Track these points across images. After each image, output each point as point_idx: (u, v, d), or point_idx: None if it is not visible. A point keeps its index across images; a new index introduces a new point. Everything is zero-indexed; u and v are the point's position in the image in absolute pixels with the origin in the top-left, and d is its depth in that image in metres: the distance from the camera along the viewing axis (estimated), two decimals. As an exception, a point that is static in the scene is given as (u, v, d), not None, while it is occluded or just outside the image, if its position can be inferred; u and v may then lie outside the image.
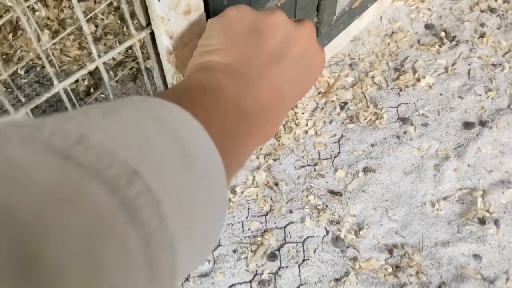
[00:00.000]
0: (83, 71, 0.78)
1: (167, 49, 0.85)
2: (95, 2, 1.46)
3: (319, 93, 1.32)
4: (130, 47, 1.33)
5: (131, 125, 0.22)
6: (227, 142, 0.30)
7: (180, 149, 0.23)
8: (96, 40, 1.37)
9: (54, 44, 1.34)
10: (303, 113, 1.27)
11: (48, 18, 1.42)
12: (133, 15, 0.90)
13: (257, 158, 1.20)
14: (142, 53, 1.10)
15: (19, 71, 1.30)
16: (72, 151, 0.18)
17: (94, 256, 0.16)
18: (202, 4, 0.84)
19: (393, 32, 1.47)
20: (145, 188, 0.19)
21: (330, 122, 1.26)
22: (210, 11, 0.86)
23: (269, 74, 0.38)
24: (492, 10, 1.52)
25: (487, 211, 1.11)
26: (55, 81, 0.74)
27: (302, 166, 1.19)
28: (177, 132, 0.24)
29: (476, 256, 1.05)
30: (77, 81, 1.27)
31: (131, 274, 0.17)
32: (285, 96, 0.38)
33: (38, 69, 1.31)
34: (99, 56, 0.77)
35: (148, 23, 0.82)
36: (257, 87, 0.36)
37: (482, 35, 1.46)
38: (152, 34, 0.84)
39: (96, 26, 1.40)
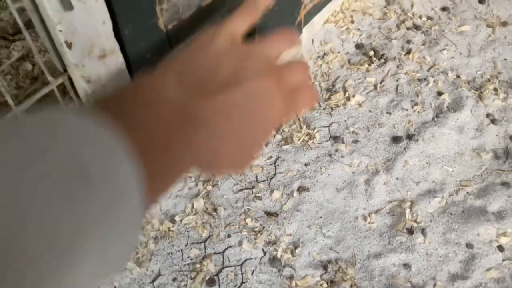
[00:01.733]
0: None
1: (86, 93, 0.88)
2: (32, 40, 1.48)
3: (255, 117, 1.37)
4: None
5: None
6: (151, 147, 0.30)
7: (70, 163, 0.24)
8: (34, 79, 1.39)
9: (-10, 85, 1.35)
10: (240, 138, 1.32)
11: (-16, 59, 1.43)
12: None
13: (196, 185, 1.23)
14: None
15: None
16: None
17: None
18: (117, 47, 0.88)
19: (324, 54, 1.54)
20: None
21: (266, 145, 1.31)
22: (128, 53, 0.91)
23: (216, 94, 0.36)
24: (417, 27, 1.61)
25: (415, 221, 1.17)
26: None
27: (240, 190, 1.23)
28: (74, 148, 0.25)
29: (406, 265, 1.11)
30: (13, 121, 1.28)
31: None
32: (233, 119, 0.36)
33: (-26, 111, 1.32)
34: (16, 104, 0.80)
35: (65, 70, 0.85)
36: (200, 102, 0.35)
37: (408, 52, 1.54)
38: (70, 79, 0.87)
39: (33, 65, 1.42)
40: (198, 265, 1.10)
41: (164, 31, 0.95)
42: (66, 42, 0.76)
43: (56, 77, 0.84)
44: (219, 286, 1.07)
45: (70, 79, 0.85)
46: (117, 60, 0.90)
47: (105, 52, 0.86)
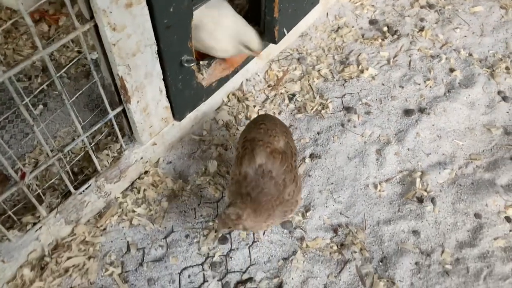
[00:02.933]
0: (28, 62, 0.81)
1: (110, 41, 0.89)
2: (49, 3, 1.49)
3: (268, 86, 1.38)
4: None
5: None
6: None
7: None
8: (49, 38, 1.40)
9: (6, 43, 1.36)
10: (254, 106, 1.33)
11: (0, 19, 1.43)
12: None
13: (210, 148, 1.24)
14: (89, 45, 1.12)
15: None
16: None
17: None
18: (143, -3, 0.89)
19: (339, 28, 1.54)
20: None
21: (280, 113, 1.32)
22: (153, 4, 0.91)
23: None
24: (430, 6, 1.62)
25: (425, 190, 1.18)
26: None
27: (253, 155, 1.24)
28: None
29: (415, 232, 1.12)
30: (30, 78, 1.29)
31: None
32: None
33: (-10, 68, 1.32)
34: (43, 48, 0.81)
35: (92, 16, 0.86)
36: None
37: (421, 29, 1.55)
38: (96, 27, 0.88)
39: (49, 26, 1.42)
40: (211, 223, 1.11)
41: (188, -14, 0.95)
42: (96, -16, 0.77)
43: (83, 24, 0.85)
44: (231, 244, 1.09)
45: (95, 27, 0.86)
46: (142, 10, 0.90)
47: (132, 1, 0.86)
